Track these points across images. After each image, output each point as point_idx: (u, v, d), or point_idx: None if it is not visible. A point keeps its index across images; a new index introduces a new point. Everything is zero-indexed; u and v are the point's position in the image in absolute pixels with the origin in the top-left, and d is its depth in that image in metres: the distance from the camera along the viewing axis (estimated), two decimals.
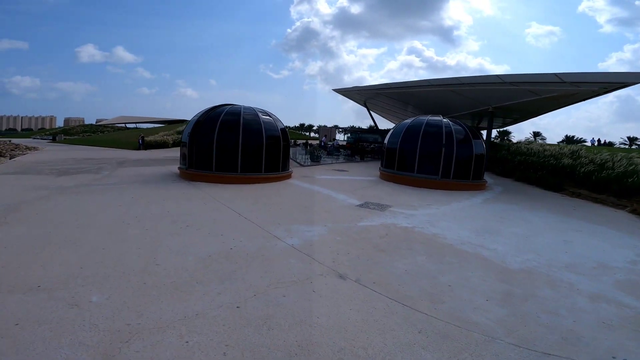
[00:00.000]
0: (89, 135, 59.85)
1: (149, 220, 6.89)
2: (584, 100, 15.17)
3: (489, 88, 15.42)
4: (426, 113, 31.40)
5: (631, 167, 13.45)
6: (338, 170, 16.65)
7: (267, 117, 12.39)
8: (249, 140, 11.46)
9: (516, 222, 8.62)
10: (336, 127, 59.22)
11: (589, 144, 40.99)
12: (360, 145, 26.15)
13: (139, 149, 27.41)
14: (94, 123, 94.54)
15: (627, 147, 49.26)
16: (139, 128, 62.97)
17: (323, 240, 6.28)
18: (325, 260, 5.29)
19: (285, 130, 12.78)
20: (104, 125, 76.93)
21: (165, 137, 29.66)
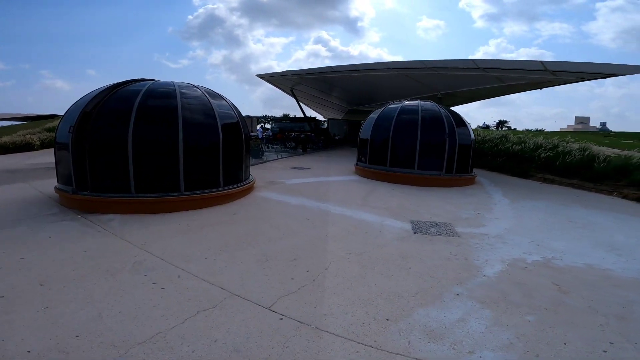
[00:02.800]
0: None
1: None
2: (539, 88, 14.11)
3: (453, 73, 13.30)
4: (351, 100, 29.08)
5: (587, 152, 12.84)
6: (297, 168, 12.35)
7: (221, 100, 7.38)
8: (195, 137, 6.37)
9: (598, 224, 6.16)
10: (249, 116, 52.71)
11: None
12: (293, 135, 22.13)
13: None
14: None
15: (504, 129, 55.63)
16: None
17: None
18: None
19: (244, 119, 7.94)
20: None
21: (28, 136, 20.31)
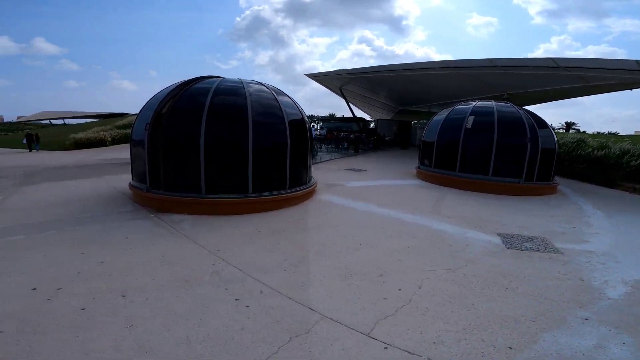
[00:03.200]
0: (5, 134, 47.22)
1: None
2: (630, 89, 12.30)
3: (525, 72, 12.07)
4: (402, 100, 27.90)
5: None
6: (352, 169, 11.79)
7: (285, 97, 7.04)
8: (263, 136, 6.06)
9: None
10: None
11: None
12: (342, 135, 21.58)
13: (30, 150, 19.85)
14: (13, 121, 77.37)
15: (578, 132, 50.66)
16: (68, 124, 51.35)
17: None
18: None
19: (306, 118, 7.54)
20: (25, 123, 62.48)
21: (101, 133, 21.88)
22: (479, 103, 9.71)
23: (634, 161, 11.41)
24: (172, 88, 6.50)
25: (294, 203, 6.49)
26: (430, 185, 9.27)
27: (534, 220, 6.57)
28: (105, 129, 23.18)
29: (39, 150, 19.74)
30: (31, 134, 21.27)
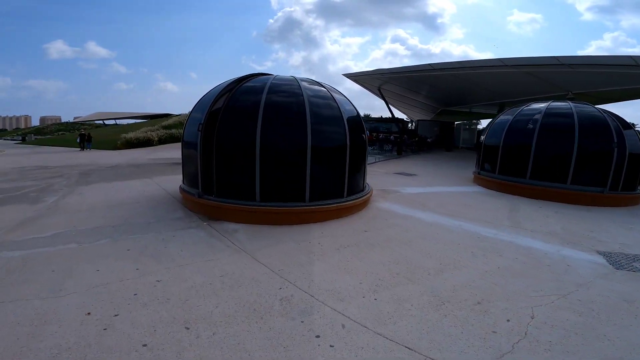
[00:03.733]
0: (62, 134, 50.88)
1: None
2: None
3: (595, 71, 10.68)
4: (444, 100, 26.40)
5: None
6: (401, 173, 10.96)
7: (341, 95, 6.43)
8: (323, 138, 5.46)
9: None
10: None
11: None
12: (381, 136, 20.70)
13: (82, 149, 20.70)
14: (70, 121, 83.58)
15: None
16: (119, 124, 54.46)
17: None
18: None
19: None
20: (81, 123, 67.17)
21: (148, 133, 22.58)
22: (553, 103, 8.51)
23: None
24: (224, 86, 6.09)
25: (352, 212, 5.86)
26: (495, 193, 8.24)
27: (632, 235, 5.55)
28: (152, 129, 23.94)
29: (91, 150, 20.71)
30: (84, 134, 22.40)
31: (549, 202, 7.49)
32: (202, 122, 5.57)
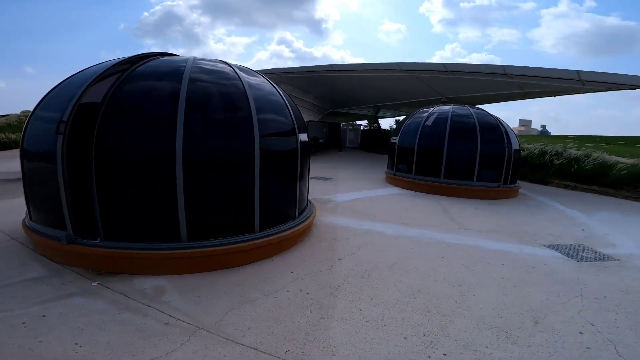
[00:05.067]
0: None
1: None
2: (554, 96, 13.58)
3: (469, 78, 12.20)
4: (334, 102, 27.15)
5: (599, 160, 12.59)
6: (315, 178, 10.07)
7: (255, 77, 4.95)
8: (270, 142, 3.91)
9: None
10: None
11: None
12: None
13: None
14: None
15: None
16: None
17: None
18: None
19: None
20: None
21: None
22: (454, 107, 9.19)
23: (556, 160, 12.72)
24: (99, 70, 3.80)
25: (305, 234, 4.58)
26: (416, 194, 8.28)
27: (547, 225, 6.23)
28: None
29: None
30: None
31: (461, 198, 7.94)
32: (66, 119, 3.29)
